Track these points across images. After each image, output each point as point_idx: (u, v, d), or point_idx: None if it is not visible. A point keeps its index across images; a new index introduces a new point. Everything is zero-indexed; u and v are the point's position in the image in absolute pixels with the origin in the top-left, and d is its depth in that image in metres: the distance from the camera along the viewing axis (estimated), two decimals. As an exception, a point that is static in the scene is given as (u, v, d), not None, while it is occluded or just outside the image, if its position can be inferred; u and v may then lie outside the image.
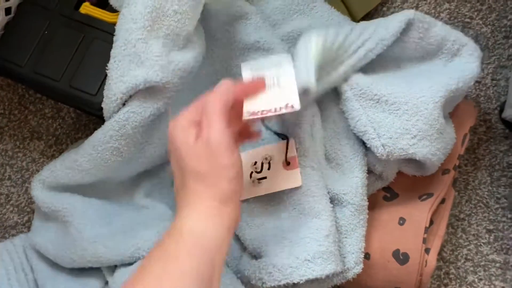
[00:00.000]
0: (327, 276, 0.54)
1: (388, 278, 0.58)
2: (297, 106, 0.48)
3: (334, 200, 0.57)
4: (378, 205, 0.61)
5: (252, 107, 0.49)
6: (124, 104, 0.55)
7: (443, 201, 0.61)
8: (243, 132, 0.52)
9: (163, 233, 0.57)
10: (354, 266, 0.56)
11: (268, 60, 0.52)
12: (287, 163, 0.57)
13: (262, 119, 0.52)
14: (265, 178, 0.58)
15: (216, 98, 0.47)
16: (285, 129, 0.59)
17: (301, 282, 0.53)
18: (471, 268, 0.66)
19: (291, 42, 0.63)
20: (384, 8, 0.70)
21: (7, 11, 0.62)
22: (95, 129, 0.57)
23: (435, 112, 0.55)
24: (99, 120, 0.59)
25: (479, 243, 0.67)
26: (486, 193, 0.67)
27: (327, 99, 0.60)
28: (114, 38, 0.55)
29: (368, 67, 0.59)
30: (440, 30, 0.57)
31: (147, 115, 0.55)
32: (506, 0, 0.69)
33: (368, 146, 0.57)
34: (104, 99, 0.56)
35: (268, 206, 0.58)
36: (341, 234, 0.56)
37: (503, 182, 0.67)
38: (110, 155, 0.57)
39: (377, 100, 0.56)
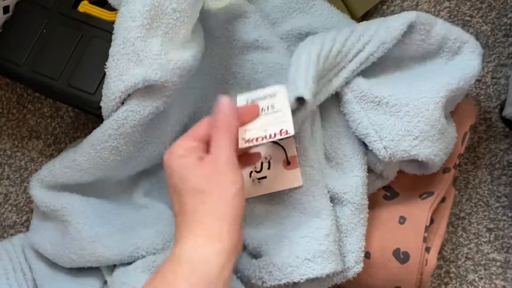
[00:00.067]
0: (328, 275, 0.54)
1: (388, 277, 0.58)
2: (291, 131, 0.49)
3: (334, 199, 0.57)
4: (378, 204, 0.61)
5: (247, 135, 0.49)
6: (123, 103, 0.55)
7: (443, 199, 0.61)
8: (242, 156, 0.52)
9: (162, 232, 0.58)
10: (355, 265, 0.56)
11: (263, 91, 0.52)
12: (288, 163, 0.57)
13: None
14: (265, 177, 0.58)
15: (225, 120, 0.47)
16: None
17: (301, 281, 0.53)
18: (472, 267, 0.66)
19: (290, 41, 0.63)
20: (384, 7, 0.70)
21: (5, 9, 0.62)
22: (94, 128, 0.57)
23: (437, 112, 0.55)
24: (98, 119, 0.59)
25: (479, 242, 0.66)
26: (486, 191, 0.67)
27: (327, 99, 0.59)
28: (113, 37, 0.54)
29: (369, 69, 0.59)
30: (440, 29, 0.57)
31: (146, 114, 0.55)
32: (506, -2, 0.69)
33: (370, 148, 0.57)
34: (102, 98, 0.55)
35: (268, 206, 0.58)
36: (342, 233, 0.56)
37: (504, 180, 0.67)
38: (109, 154, 0.56)
39: (378, 103, 0.56)
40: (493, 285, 0.66)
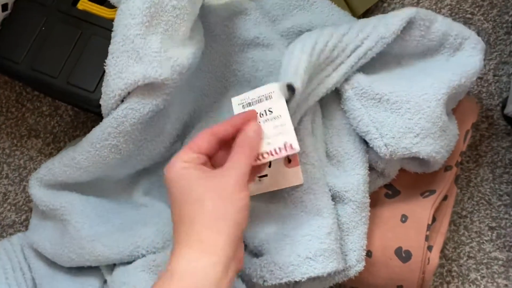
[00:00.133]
0: (329, 274, 0.54)
1: (390, 276, 0.58)
2: (296, 147, 0.49)
3: (335, 198, 0.57)
4: (380, 203, 0.60)
5: None
6: (122, 101, 0.54)
7: (445, 198, 0.61)
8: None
9: (162, 231, 0.58)
10: (356, 264, 0.55)
11: (257, 91, 0.51)
12: (289, 161, 0.57)
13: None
14: (266, 176, 0.57)
15: (249, 142, 0.47)
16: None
17: (302, 280, 0.52)
18: (474, 266, 0.66)
19: (291, 38, 0.63)
20: (385, 4, 0.69)
21: (4, 7, 0.61)
22: (93, 126, 0.57)
23: (438, 109, 0.55)
24: (97, 117, 0.59)
25: (481, 241, 0.66)
26: (488, 190, 0.67)
27: (328, 96, 0.59)
28: (112, 34, 0.54)
29: (369, 66, 0.58)
30: (441, 25, 0.57)
31: (145, 112, 0.54)
32: (507, -5, 0.68)
33: (371, 145, 0.56)
34: (102, 96, 0.55)
35: (269, 204, 0.57)
36: (343, 232, 0.56)
37: (506, 179, 0.67)
38: (108, 152, 0.56)
39: (378, 100, 0.56)
40: (495, 283, 0.65)
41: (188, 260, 0.43)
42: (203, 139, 0.48)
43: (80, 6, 0.61)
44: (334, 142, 0.59)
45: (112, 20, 0.56)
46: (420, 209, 0.58)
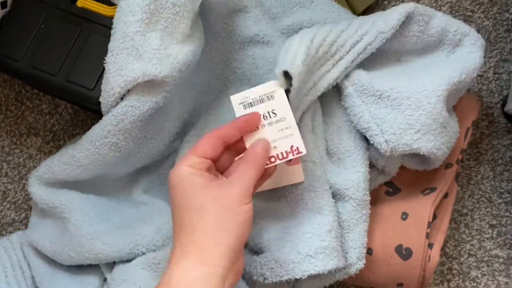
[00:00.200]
0: (330, 272, 0.54)
1: (391, 273, 0.57)
2: (303, 150, 0.49)
3: (336, 195, 0.57)
4: (380, 200, 0.60)
5: None
6: (122, 98, 0.54)
7: (446, 195, 0.61)
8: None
9: (162, 229, 0.57)
10: (357, 262, 0.55)
11: (258, 90, 0.51)
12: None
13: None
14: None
15: (256, 158, 0.47)
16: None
17: (303, 277, 0.52)
18: (474, 264, 0.66)
19: (291, 35, 0.62)
20: (385, 2, 0.69)
21: (3, 4, 0.61)
22: (93, 125, 0.56)
23: (438, 106, 0.55)
24: (97, 116, 0.59)
25: (482, 238, 0.66)
26: (489, 187, 0.67)
27: (328, 93, 0.59)
28: (112, 31, 0.54)
29: (369, 63, 0.58)
30: (440, 21, 0.57)
31: (145, 109, 0.54)
32: (508, -7, 0.68)
33: (371, 142, 0.56)
34: (102, 93, 0.55)
35: (269, 202, 0.57)
36: (343, 229, 0.56)
37: (506, 176, 0.67)
38: (108, 150, 0.56)
39: (379, 96, 0.56)
40: (495, 281, 0.65)
41: (184, 270, 0.42)
42: (207, 142, 0.47)
43: (79, 3, 0.61)
44: (335, 139, 0.58)
45: (111, 17, 0.56)
46: (421, 207, 0.58)
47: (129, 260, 0.57)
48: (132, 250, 0.56)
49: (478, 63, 0.57)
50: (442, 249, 0.65)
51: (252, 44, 0.62)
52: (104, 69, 0.54)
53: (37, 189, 0.60)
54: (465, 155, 0.67)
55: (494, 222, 0.66)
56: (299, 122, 0.56)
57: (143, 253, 0.56)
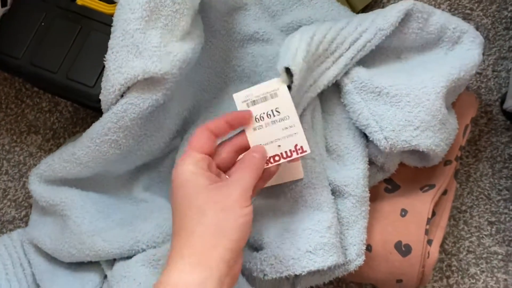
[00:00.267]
0: (329, 268, 0.54)
1: (390, 270, 0.58)
2: (307, 149, 0.49)
3: (335, 192, 0.57)
4: (380, 197, 0.60)
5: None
6: (122, 96, 0.54)
7: (445, 192, 0.61)
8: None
9: (162, 225, 0.57)
10: (356, 258, 0.55)
11: (261, 87, 0.50)
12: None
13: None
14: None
15: (254, 162, 0.47)
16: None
17: (303, 273, 0.52)
18: (473, 260, 0.66)
19: (290, 33, 0.62)
20: (384, 0, 0.69)
21: (3, 3, 0.61)
22: (93, 122, 0.56)
23: (437, 102, 0.55)
24: (97, 113, 0.59)
25: (481, 235, 0.66)
26: (487, 185, 0.67)
27: (327, 90, 0.59)
28: (112, 29, 0.54)
29: (368, 60, 0.59)
30: (439, 18, 0.57)
31: (145, 107, 0.54)
32: (506, -9, 0.68)
33: (370, 139, 0.57)
34: (102, 91, 0.55)
35: (269, 199, 0.57)
36: (343, 226, 0.56)
37: (505, 173, 0.67)
38: (108, 147, 0.56)
39: (378, 93, 0.56)
40: (494, 278, 0.65)
41: (181, 273, 0.42)
42: (202, 135, 0.48)
43: (79, 1, 0.61)
44: (334, 136, 0.59)
45: (111, 15, 0.56)
46: (420, 203, 0.58)
47: (129, 257, 0.57)
48: (132, 247, 0.56)
49: (477, 60, 0.57)
50: (441, 246, 0.66)
51: (251, 42, 0.62)
52: (104, 66, 0.54)
53: (37, 187, 0.60)
54: (464, 152, 0.67)
55: (493, 219, 0.66)
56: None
57: (143, 250, 0.57)
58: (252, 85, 0.51)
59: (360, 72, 0.56)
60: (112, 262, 0.58)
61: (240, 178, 0.46)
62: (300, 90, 0.54)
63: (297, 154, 0.49)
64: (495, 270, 0.65)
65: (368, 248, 0.58)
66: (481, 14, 0.68)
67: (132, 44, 0.53)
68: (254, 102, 0.50)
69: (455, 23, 0.57)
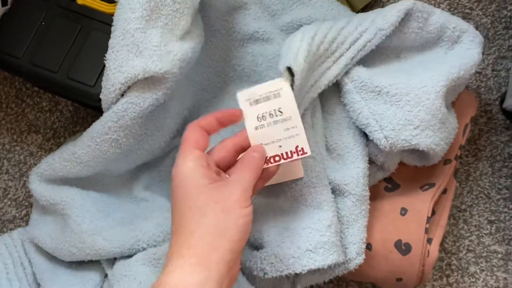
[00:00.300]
0: (329, 267, 0.54)
1: (390, 268, 0.58)
2: (308, 151, 0.49)
3: (335, 191, 0.57)
4: (380, 196, 0.61)
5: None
6: (122, 95, 0.55)
7: (444, 191, 0.61)
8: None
9: (163, 224, 0.57)
10: (356, 257, 0.55)
11: (264, 87, 0.50)
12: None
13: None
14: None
15: (253, 162, 0.47)
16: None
17: (303, 272, 0.52)
18: (473, 259, 0.66)
19: (290, 32, 0.63)
20: (384, -1, 0.70)
21: (4, 2, 0.61)
22: (93, 122, 0.57)
23: (437, 101, 0.55)
24: (97, 113, 0.59)
25: (480, 234, 0.66)
26: (487, 184, 0.67)
27: (328, 90, 0.59)
28: (112, 28, 0.54)
29: (368, 59, 0.59)
30: (439, 17, 0.57)
31: (146, 106, 0.54)
32: (506, -10, 0.69)
33: (370, 138, 0.57)
34: (102, 90, 0.55)
35: (269, 198, 0.57)
36: (343, 225, 0.56)
37: (504, 173, 0.67)
38: (108, 146, 0.56)
39: (378, 92, 0.56)
40: (494, 277, 0.65)
41: (180, 274, 0.42)
42: (196, 133, 0.47)
43: (79, 0, 0.61)
44: (334, 135, 0.59)
45: (111, 14, 0.56)
46: (420, 202, 0.58)
47: (130, 256, 0.57)
48: (133, 246, 0.56)
49: (477, 59, 0.57)
50: (441, 244, 0.66)
51: (251, 41, 0.62)
52: (104, 66, 0.54)
53: (37, 186, 0.60)
54: (464, 151, 0.68)
55: (493, 218, 0.67)
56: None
57: (144, 249, 0.57)
58: (252, 85, 0.51)
59: (360, 72, 0.57)
60: (112, 261, 0.59)
61: (240, 178, 0.46)
62: (302, 90, 0.54)
63: (298, 155, 0.49)
64: (495, 269, 0.66)
65: (368, 246, 0.58)
66: (480, 13, 0.69)
67: (133, 43, 0.53)
68: (257, 101, 0.50)
69: (455, 22, 0.57)
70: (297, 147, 0.49)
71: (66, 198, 0.59)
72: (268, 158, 0.49)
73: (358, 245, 0.56)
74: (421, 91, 0.55)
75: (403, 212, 0.59)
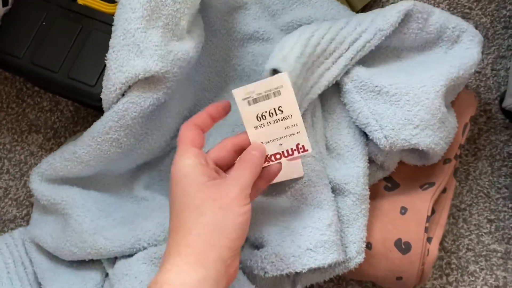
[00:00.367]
0: (329, 266, 0.54)
1: (390, 267, 0.58)
2: (309, 148, 0.49)
3: (335, 190, 0.57)
4: (380, 195, 0.61)
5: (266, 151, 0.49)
6: (123, 95, 0.55)
7: (444, 190, 0.61)
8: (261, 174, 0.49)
9: (163, 223, 0.58)
10: (356, 256, 0.56)
11: (263, 85, 0.49)
12: (289, 154, 0.57)
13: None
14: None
15: (252, 160, 0.47)
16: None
17: (303, 271, 0.52)
18: (473, 258, 0.66)
19: (290, 32, 0.62)
20: (384, -1, 0.70)
21: (5, 2, 0.62)
22: (94, 122, 0.57)
23: (437, 101, 0.55)
24: (97, 113, 0.59)
25: (480, 233, 0.66)
26: (487, 183, 0.67)
27: (327, 89, 0.59)
28: (113, 28, 0.54)
29: (368, 59, 0.59)
30: (438, 17, 0.57)
31: (146, 106, 0.55)
32: (505, -10, 0.69)
33: (370, 137, 0.57)
34: (103, 90, 0.55)
35: (269, 197, 0.58)
36: (343, 224, 0.56)
37: (504, 172, 0.67)
38: (109, 146, 0.56)
39: (378, 92, 0.56)
40: (494, 276, 0.66)
41: (177, 272, 0.42)
42: (192, 131, 0.47)
43: (80, 0, 0.61)
44: (334, 135, 0.59)
45: (112, 14, 0.56)
46: (420, 201, 0.59)
47: (130, 255, 0.57)
48: (133, 245, 0.57)
49: (476, 59, 0.57)
50: (441, 243, 0.66)
51: (252, 41, 0.62)
52: (105, 65, 0.54)
53: (38, 186, 0.60)
54: (463, 150, 0.68)
55: (492, 217, 0.67)
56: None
57: (145, 248, 0.57)
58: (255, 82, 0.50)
59: (360, 71, 0.57)
60: (113, 260, 0.59)
61: (239, 175, 0.46)
62: (302, 91, 0.54)
63: (299, 153, 0.49)
64: (495, 267, 0.66)
65: (368, 245, 0.58)
66: (480, 13, 0.69)
67: (133, 43, 0.53)
68: (255, 100, 0.49)
69: (455, 22, 0.58)
70: (298, 144, 0.49)
71: (67, 198, 0.59)
72: (268, 156, 0.49)
73: (358, 244, 0.56)
74: (421, 91, 0.55)
75: (403, 211, 0.59)
